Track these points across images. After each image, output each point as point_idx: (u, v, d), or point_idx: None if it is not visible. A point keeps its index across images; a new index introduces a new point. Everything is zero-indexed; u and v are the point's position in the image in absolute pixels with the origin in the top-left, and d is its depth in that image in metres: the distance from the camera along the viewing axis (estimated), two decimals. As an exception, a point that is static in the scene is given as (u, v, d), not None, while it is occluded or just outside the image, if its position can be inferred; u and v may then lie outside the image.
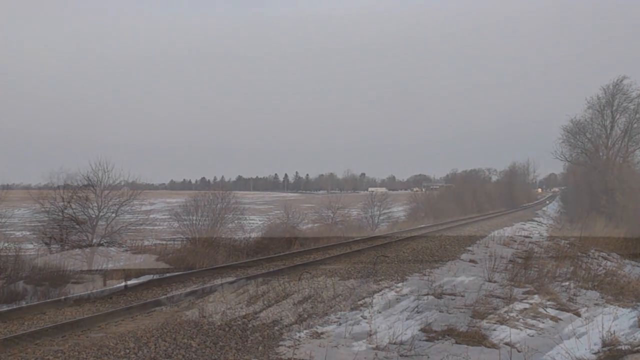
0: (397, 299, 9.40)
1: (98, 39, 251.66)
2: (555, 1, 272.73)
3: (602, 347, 6.96)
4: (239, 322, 7.75)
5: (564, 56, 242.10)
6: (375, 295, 9.53)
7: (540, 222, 36.48)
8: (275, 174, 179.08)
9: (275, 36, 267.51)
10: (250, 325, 7.65)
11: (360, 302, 9.12)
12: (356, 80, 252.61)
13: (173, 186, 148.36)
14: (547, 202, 79.87)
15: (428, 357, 6.46)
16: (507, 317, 8.34)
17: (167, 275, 11.45)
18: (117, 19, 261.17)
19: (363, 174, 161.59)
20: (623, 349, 6.70)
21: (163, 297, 9.07)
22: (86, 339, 6.77)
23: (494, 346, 7.00)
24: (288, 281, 10.14)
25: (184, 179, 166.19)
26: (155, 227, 29.12)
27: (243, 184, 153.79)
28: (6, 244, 16.25)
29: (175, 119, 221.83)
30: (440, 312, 8.50)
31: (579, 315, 9.07)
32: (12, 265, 12.54)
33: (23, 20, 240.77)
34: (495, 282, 11.13)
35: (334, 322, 7.98)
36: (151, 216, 25.12)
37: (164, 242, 22.61)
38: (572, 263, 14.78)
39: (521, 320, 8.34)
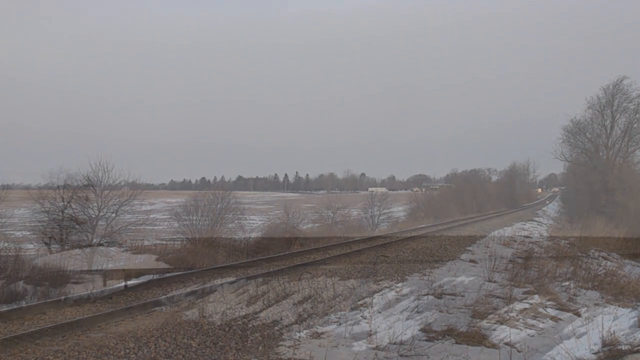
0: (397, 299, 9.40)
1: (97, 36, 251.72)
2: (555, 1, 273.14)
3: (602, 347, 6.95)
4: (239, 322, 7.75)
5: (565, 55, 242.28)
6: (375, 295, 9.53)
7: (540, 222, 36.47)
8: (276, 174, 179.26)
9: (275, 30, 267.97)
10: (250, 325, 7.65)
11: (360, 302, 9.12)
12: (356, 75, 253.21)
13: (173, 186, 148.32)
14: (547, 202, 79.88)
15: (428, 357, 6.46)
16: (507, 317, 8.33)
17: (167, 275, 11.45)
18: (116, 17, 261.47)
19: (363, 174, 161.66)
20: (623, 349, 6.69)
21: (163, 297, 9.08)
22: (86, 339, 6.77)
23: (494, 346, 7.00)
24: (288, 281, 10.14)
25: (184, 179, 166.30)
26: (155, 227, 29.16)
27: (243, 184, 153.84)
28: (6, 244, 16.28)
29: (175, 116, 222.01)
30: (440, 312, 8.50)
31: (579, 315, 9.06)
32: (12, 265, 12.56)
33: (21, 14, 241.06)
34: (495, 282, 11.13)
35: (334, 322, 7.98)
36: (151, 216, 25.16)
37: (164, 242, 22.63)
38: (572, 263, 14.78)
39: (521, 320, 8.34)
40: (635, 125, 36.11)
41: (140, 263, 16.62)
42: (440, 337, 7.21)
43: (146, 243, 22.13)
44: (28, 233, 22.35)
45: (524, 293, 10.02)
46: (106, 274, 12.61)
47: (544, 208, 60.37)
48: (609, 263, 17.89)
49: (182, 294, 9.26)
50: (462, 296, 9.62)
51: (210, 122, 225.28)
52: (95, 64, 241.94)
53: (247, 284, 10.12)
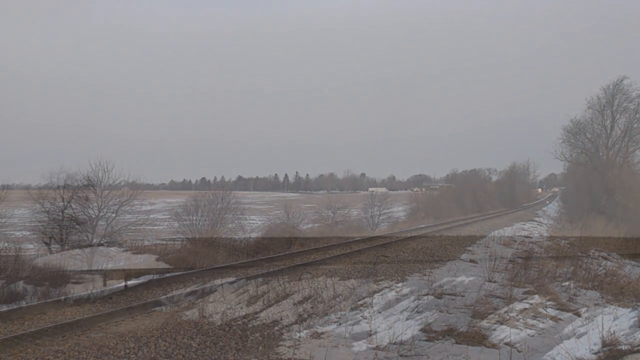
0: (397, 299, 9.39)
1: (98, 35, 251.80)
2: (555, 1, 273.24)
3: (602, 347, 6.95)
4: (239, 322, 7.75)
5: (565, 55, 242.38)
6: (375, 295, 9.53)
7: (540, 222, 36.49)
8: (276, 174, 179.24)
9: (276, 28, 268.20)
10: (250, 326, 7.65)
11: (360, 302, 9.12)
12: (356, 75, 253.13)
13: (173, 186, 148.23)
14: (547, 202, 79.87)
15: (428, 357, 6.46)
16: (507, 317, 8.33)
17: (167, 275, 11.45)
18: (120, 13, 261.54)
19: (363, 174, 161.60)
20: (623, 349, 6.69)
21: (163, 297, 9.08)
22: (86, 339, 6.77)
23: (494, 346, 7.00)
24: (288, 281, 10.14)
25: (184, 179, 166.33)
26: (155, 227, 29.17)
27: (243, 184, 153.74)
28: (6, 244, 16.28)
29: (175, 112, 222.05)
30: (440, 312, 8.50)
31: (579, 315, 9.06)
32: (12, 265, 12.56)
33: (23, 12, 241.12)
34: (495, 282, 11.13)
35: (334, 322, 7.98)
36: (151, 216, 25.19)
37: (164, 242, 22.63)
38: (572, 263, 14.77)
39: (521, 320, 8.34)
40: (635, 125, 36.14)
41: (140, 263, 16.62)
42: (440, 337, 7.21)
43: (146, 243, 22.12)
44: (28, 233, 22.37)
45: (524, 293, 10.01)
46: (106, 274, 12.60)
47: (544, 208, 60.36)
48: (609, 263, 17.88)
49: (182, 294, 9.26)
50: (462, 296, 9.62)
51: (210, 119, 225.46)
52: (97, 60, 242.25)
53: (247, 284, 10.12)
